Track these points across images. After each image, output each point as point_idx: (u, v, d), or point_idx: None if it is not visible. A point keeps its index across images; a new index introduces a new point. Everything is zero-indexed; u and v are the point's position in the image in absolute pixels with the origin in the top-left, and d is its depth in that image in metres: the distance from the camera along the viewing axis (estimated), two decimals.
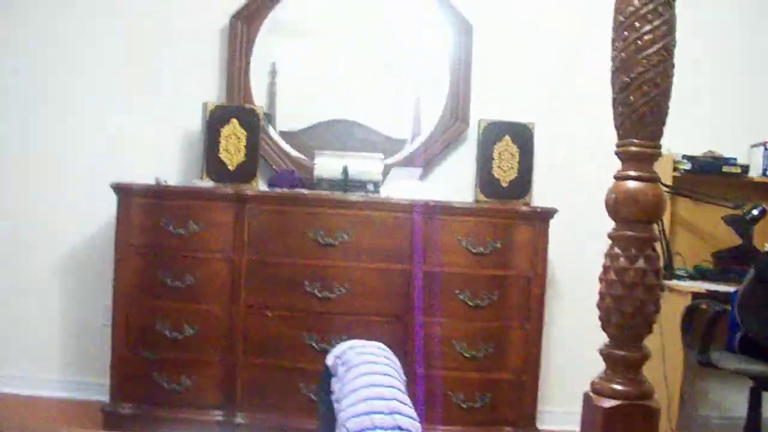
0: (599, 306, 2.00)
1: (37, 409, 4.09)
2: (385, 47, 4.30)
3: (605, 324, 1.99)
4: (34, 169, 4.32)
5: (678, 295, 3.82)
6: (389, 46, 4.30)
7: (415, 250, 3.67)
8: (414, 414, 2.61)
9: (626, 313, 1.92)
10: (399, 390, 2.67)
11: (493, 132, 4.00)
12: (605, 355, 1.99)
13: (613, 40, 1.94)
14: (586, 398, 2.02)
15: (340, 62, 4.32)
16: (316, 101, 4.34)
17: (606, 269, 1.97)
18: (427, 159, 4.22)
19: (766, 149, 4.19)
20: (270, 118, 4.22)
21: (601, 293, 1.99)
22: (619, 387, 1.93)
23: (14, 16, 4.32)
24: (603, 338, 2.03)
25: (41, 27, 4.32)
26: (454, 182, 4.19)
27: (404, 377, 2.99)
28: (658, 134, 1.93)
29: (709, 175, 4.13)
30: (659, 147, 1.95)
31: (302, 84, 4.33)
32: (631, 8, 1.87)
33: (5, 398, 4.20)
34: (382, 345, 2.97)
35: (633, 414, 1.92)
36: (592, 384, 2.01)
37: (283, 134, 4.26)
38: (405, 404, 2.58)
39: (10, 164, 4.33)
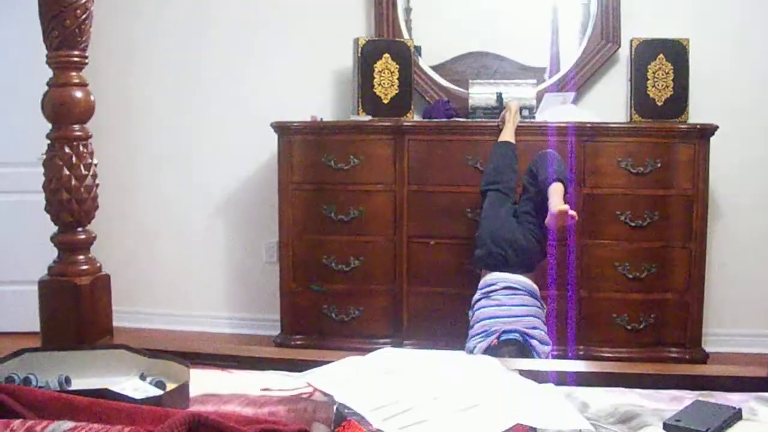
0: None
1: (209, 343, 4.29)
2: None
3: None
4: (195, 113, 4.46)
5: None
6: None
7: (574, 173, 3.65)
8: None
9: None
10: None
11: (646, 51, 3.89)
12: None
13: None
14: None
15: None
16: (451, 34, 4.34)
17: None
18: (579, 82, 4.14)
19: None
20: (420, 50, 4.23)
21: None
22: None
23: None
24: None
25: None
26: (608, 104, 4.10)
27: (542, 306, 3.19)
28: None
29: None
30: None
31: (436, 18, 4.33)
32: None
33: (175, 335, 4.39)
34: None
35: None
36: None
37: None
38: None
39: (173, 108, 4.48)
